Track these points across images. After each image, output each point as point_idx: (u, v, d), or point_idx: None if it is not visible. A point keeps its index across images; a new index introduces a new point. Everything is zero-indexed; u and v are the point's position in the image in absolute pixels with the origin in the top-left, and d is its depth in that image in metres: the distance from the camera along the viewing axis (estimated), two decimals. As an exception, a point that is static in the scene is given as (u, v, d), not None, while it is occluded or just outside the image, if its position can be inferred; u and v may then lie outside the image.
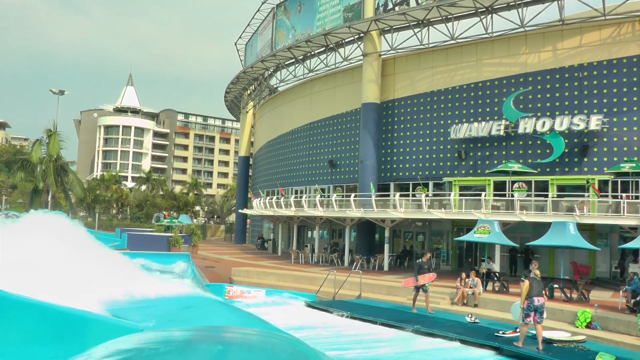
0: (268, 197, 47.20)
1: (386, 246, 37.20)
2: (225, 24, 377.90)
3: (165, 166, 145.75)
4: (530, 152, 34.71)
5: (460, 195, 34.88)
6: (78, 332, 8.22)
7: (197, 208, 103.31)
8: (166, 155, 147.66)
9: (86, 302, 10.24)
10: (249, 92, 65.85)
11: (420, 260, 24.60)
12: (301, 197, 42.65)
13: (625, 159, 31.18)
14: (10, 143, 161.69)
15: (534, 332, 17.37)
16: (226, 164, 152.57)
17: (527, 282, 17.06)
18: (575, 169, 33.00)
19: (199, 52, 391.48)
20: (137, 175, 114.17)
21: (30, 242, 12.66)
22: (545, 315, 17.46)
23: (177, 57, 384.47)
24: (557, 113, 33.78)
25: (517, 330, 18.67)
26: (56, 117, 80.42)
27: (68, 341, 8.04)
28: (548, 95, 34.54)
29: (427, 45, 39.65)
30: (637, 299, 21.33)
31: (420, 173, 39.57)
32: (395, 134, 41.64)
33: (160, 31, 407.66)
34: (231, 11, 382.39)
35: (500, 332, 18.70)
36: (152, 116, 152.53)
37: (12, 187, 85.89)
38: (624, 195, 29.07)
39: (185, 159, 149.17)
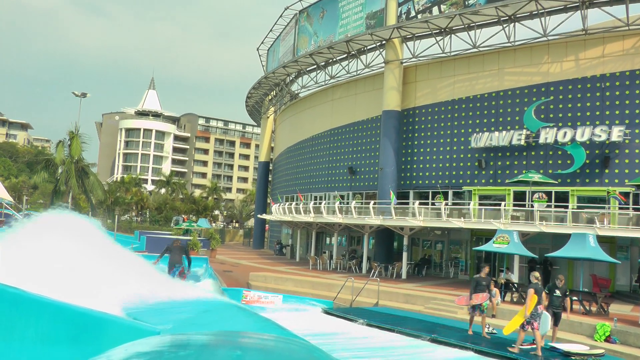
0: (287, 203, 47.25)
1: (404, 254, 37.09)
2: (247, 29, 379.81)
3: (186, 170, 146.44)
4: (550, 162, 34.49)
5: (480, 204, 34.74)
6: (95, 333, 8.25)
7: (216, 212, 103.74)
8: (186, 159, 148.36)
9: (103, 303, 10.29)
10: (270, 97, 66.00)
11: (478, 275, 21.33)
12: (320, 203, 42.62)
13: (647, 171, 30.95)
14: (33, 144, 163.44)
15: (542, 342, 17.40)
16: (246, 168, 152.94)
17: (533, 292, 17.13)
18: (596, 181, 32.73)
19: (220, 57, 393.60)
20: (157, 178, 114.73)
21: (48, 241, 12.71)
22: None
23: (199, 61, 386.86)
24: (578, 123, 33.55)
25: (534, 341, 18.56)
26: (78, 119, 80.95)
27: (85, 342, 8.07)
28: (570, 105, 34.32)
29: (449, 54, 39.61)
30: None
31: (440, 181, 39.46)
32: (416, 142, 41.57)
33: (183, 36, 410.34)
34: (253, 17, 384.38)
35: (524, 344, 18.55)
36: (173, 120, 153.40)
37: (33, 187, 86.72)
38: (645, 207, 28.80)
39: (205, 163, 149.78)
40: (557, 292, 18.82)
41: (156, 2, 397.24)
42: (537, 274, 18.46)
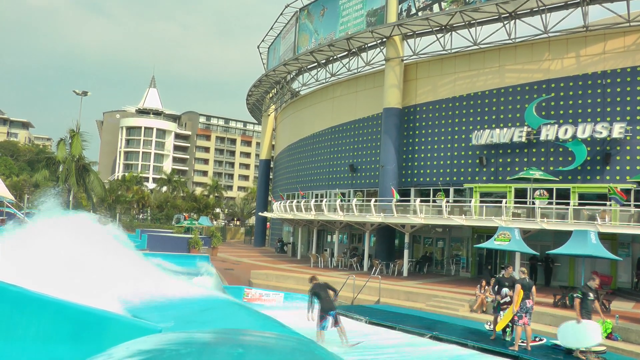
0: (288, 201, 47.27)
1: (406, 252, 37.11)
2: (248, 27, 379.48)
3: (187, 168, 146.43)
4: (552, 159, 34.46)
5: (481, 201, 34.74)
6: (97, 331, 8.26)
7: (218, 210, 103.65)
8: (187, 157, 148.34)
9: (105, 301, 10.30)
10: (270, 95, 66.03)
11: (500, 275, 20.35)
12: (321, 201, 42.62)
13: (648, 167, 30.92)
14: (34, 143, 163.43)
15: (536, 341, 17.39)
16: (247, 166, 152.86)
17: (520, 287, 17.19)
18: (597, 177, 32.70)
19: (221, 55, 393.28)
20: (158, 176, 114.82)
21: (51, 239, 12.73)
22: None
23: (199, 60, 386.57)
24: (579, 120, 33.51)
25: (537, 339, 18.57)
26: (79, 118, 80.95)
27: (86, 340, 8.08)
28: (571, 102, 34.29)
29: (449, 51, 39.56)
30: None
31: (441, 179, 39.44)
32: (417, 140, 41.54)
33: (183, 34, 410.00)
34: (254, 15, 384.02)
35: (520, 340, 18.55)
36: (174, 118, 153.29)
37: (35, 186, 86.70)
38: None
39: (206, 161, 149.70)
40: (591, 295, 16.87)
41: (157, 1, 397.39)
42: (524, 269, 18.55)
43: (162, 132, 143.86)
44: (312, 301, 17.69)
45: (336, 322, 17.22)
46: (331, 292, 17.75)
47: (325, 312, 17.17)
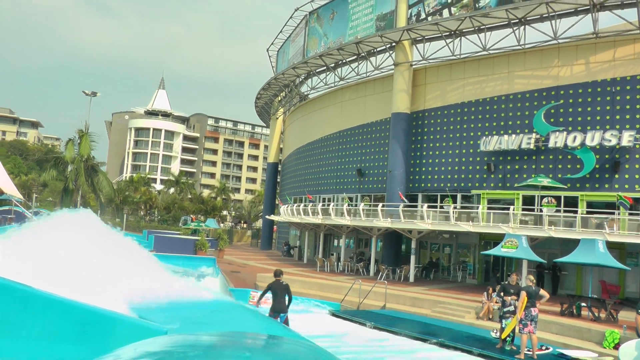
0: (295, 204, 47.25)
1: (412, 257, 37.03)
2: (257, 30, 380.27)
3: (194, 170, 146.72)
4: (560, 166, 34.33)
5: (489, 208, 34.60)
6: (102, 331, 8.23)
7: (225, 213, 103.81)
8: (195, 159, 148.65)
9: (111, 302, 10.28)
10: (279, 98, 66.08)
11: (506, 282, 19.98)
12: (329, 205, 42.59)
13: (658, 176, 30.75)
14: (43, 142, 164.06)
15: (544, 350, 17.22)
16: (255, 169, 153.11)
17: (524, 294, 17.09)
18: (606, 186, 32.53)
19: (230, 57, 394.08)
20: (166, 178, 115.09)
21: (58, 238, 12.72)
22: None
23: (209, 62, 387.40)
24: (588, 128, 33.34)
25: (543, 347, 18.49)
26: (88, 118, 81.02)
27: (92, 340, 8.05)
28: (580, 109, 34.15)
29: (458, 56, 39.48)
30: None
31: (448, 185, 39.36)
32: (425, 145, 41.47)
33: (193, 36, 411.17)
34: (263, 18, 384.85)
35: (526, 349, 18.47)
36: (183, 120, 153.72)
37: (43, 185, 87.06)
38: (655, 213, 28.61)
39: (214, 164, 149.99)
40: None
41: (166, 3, 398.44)
42: (532, 277, 18.42)
43: (170, 134, 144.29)
44: (266, 293, 17.20)
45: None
46: (287, 298, 16.97)
47: (275, 312, 16.62)
